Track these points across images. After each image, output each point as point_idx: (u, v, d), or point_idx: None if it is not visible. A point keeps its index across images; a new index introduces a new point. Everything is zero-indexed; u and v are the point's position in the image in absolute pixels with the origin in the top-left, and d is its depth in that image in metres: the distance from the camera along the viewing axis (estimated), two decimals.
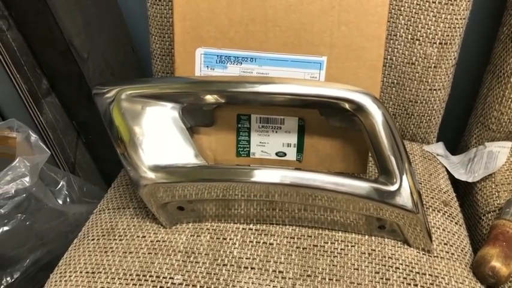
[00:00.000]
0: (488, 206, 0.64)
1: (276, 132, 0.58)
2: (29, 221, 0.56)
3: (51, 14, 0.68)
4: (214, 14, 0.55)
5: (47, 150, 0.57)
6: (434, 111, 0.69)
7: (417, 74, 0.66)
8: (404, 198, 0.50)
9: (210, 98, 0.54)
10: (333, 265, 0.52)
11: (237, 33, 0.55)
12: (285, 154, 0.59)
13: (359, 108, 0.51)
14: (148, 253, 0.53)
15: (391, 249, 0.53)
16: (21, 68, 0.70)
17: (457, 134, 0.83)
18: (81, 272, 0.52)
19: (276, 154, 0.59)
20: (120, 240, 0.55)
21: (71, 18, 0.72)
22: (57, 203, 0.61)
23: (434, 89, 0.67)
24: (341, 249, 0.53)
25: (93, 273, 0.52)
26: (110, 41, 0.83)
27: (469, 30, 0.67)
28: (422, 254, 0.53)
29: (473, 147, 0.74)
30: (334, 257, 0.52)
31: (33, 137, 0.57)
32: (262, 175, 0.51)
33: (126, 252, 0.53)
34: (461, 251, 0.55)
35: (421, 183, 0.64)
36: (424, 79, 0.66)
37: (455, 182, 0.69)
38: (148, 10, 0.67)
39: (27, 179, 0.53)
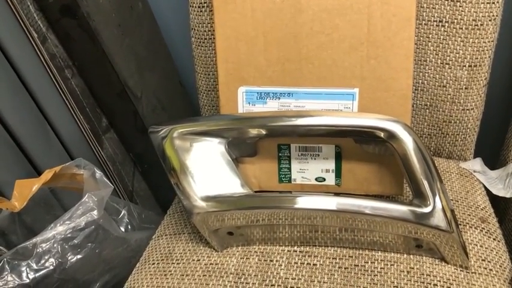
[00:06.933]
0: None
1: (315, 159, 0.62)
2: (98, 249, 0.63)
3: (108, 61, 0.76)
4: (253, 56, 0.60)
5: (110, 184, 0.64)
6: (468, 130, 0.71)
7: (449, 96, 0.68)
8: (438, 218, 0.53)
9: (252, 131, 0.59)
10: (374, 283, 0.55)
11: (275, 72, 0.60)
12: (324, 179, 0.63)
13: (391, 135, 0.54)
14: (203, 275, 0.59)
15: (429, 267, 0.56)
16: (84, 110, 0.79)
17: (498, 149, 0.84)
18: None
19: (316, 179, 0.63)
20: (177, 263, 0.61)
21: (125, 63, 0.80)
22: (120, 231, 0.68)
23: (467, 109, 0.69)
24: (381, 268, 0.57)
25: None
26: (160, 79, 0.91)
27: (502, 47, 0.68)
28: (460, 270, 0.56)
29: (511, 162, 0.75)
30: (374, 275, 0.56)
31: (98, 173, 0.65)
32: (303, 202, 0.56)
33: (183, 275, 0.59)
34: (500, 266, 0.57)
35: (458, 201, 0.66)
36: (456, 100, 0.68)
37: (495, 198, 0.71)
38: (194, 51, 0.73)
39: (95, 212, 0.60)
